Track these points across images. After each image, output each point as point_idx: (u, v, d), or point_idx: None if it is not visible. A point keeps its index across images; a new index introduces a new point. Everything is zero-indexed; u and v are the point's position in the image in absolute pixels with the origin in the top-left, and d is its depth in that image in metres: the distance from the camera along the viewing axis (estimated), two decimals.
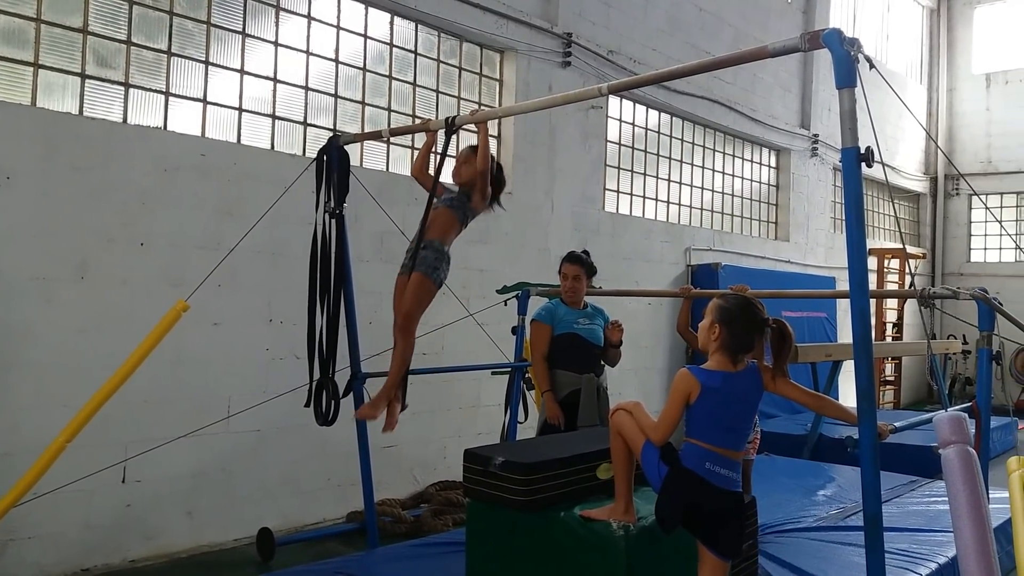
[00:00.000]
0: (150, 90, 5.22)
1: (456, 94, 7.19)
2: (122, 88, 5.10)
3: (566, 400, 4.77)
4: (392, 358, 3.92)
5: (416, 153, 6.66)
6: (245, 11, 5.69)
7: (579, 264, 4.96)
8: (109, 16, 5.02)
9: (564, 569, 3.07)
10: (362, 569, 4.02)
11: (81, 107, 4.91)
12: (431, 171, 4.06)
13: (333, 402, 4.31)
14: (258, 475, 5.51)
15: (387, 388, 3.91)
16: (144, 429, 4.81)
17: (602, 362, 4.99)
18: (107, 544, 4.82)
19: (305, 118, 6.09)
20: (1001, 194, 15.01)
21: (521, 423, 5.56)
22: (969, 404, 4.05)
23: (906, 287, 12.51)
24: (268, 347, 5.54)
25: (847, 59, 2.52)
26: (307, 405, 4.31)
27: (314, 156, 4.42)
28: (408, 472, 6.48)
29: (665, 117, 9.57)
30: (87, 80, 4.94)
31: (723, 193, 10.63)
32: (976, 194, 12.98)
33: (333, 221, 4.33)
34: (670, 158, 9.67)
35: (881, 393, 12.83)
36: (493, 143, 7.38)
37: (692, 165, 10.04)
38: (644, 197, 9.27)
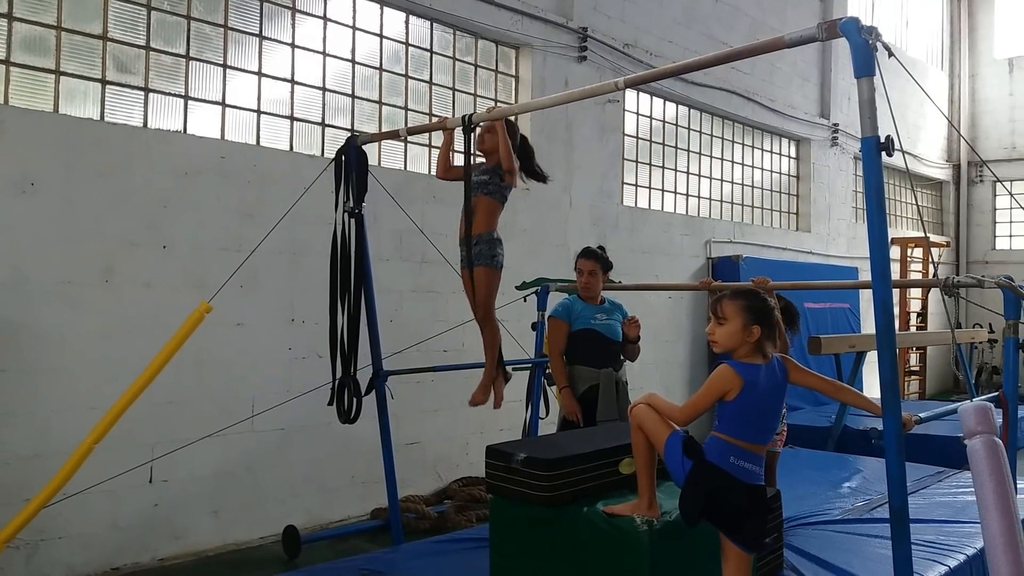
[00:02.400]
0: (169, 94, 5.27)
1: (472, 91, 7.19)
2: (142, 93, 5.15)
3: (585, 395, 4.77)
4: (484, 346, 4.21)
5: (434, 152, 6.72)
6: (262, 14, 5.72)
7: (594, 259, 4.95)
8: (128, 22, 5.07)
9: (588, 564, 3.07)
10: (387, 566, 4.04)
11: (102, 113, 4.97)
12: (455, 164, 4.14)
13: (356, 400, 4.33)
14: (283, 474, 5.55)
15: (488, 372, 4.24)
16: (170, 430, 4.87)
17: (622, 357, 4.98)
18: (135, 543, 4.89)
19: (323, 119, 6.12)
20: None
21: (542, 419, 5.57)
22: (996, 394, 4.01)
23: (930, 276, 12.36)
24: (291, 347, 5.59)
25: (865, 48, 2.50)
26: (330, 403, 4.34)
27: (332, 156, 4.44)
28: (431, 469, 6.51)
29: (683, 109, 9.52)
30: (107, 86, 4.99)
31: (743, 184, 10.56)
32: (1000, 181, 12.79)
33: (352, 220, 4.35)
34: (688, 150, 9.61)
35: (906, 383, 12.71)
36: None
37: (711, 157, 9.98)
38: (663, 190, 9.23)
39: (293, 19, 5.92)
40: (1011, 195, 14.28)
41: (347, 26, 6.27)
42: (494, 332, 4.18)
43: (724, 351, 2.81)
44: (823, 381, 2.94)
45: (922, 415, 4.14)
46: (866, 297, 10.97)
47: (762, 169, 10.93)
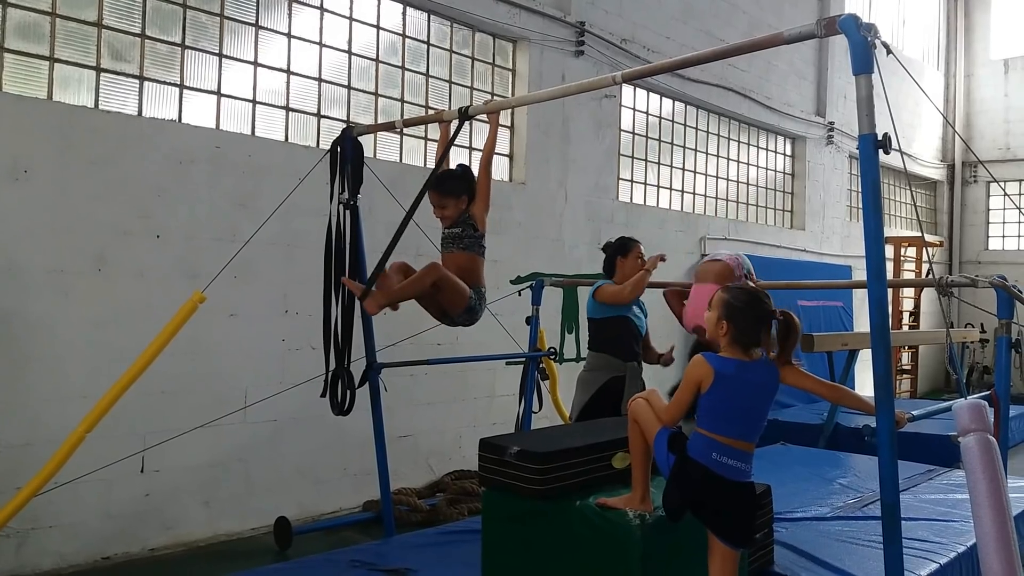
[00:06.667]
0: (165, 83, 5.24)
1: (469, 84, 7.17)
2: (137, 81, 5.12)
3: (610, 386, 4.75)
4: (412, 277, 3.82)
5: (429, 144, 6.71)
6: (258, 3, 5.69)
7: None
8: (123, 9, 5.04)
9: (579, 558, 3.08)
10: (378, 557, 4.04)
11: (97, 100, 4.93)
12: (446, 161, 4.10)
13: (349, 392, 4.32)
14: (275, 465, 5.55)
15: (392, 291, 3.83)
16: (162, 420, 4.85)
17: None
18: (127, 533, 4.87)
19: (319, 110, 6.09)
20: (1020, 181, 14.82)
21: (536, 413, 5.57)
22: (988, 392, 4.02)
23: (923, 275, 12.40)
24: (284, 338, 5.57)
25: (864, 45, 2.49)
26: (323, 395, 4.33)
27: (328, 147, 4.43)
28: (424, 462, 6.51)
29: (679, 105, 9.51)
30: (102, 73, 4.96)
31: (738, 182, 10.57)
32: (995, 181, 12.85)
33: (347, 212, 4.33)
34: (684, 147, 9.61)
35: (898, 382, 12.76)
36: (505, 133, 7.37)
37: (707, 154, 9.98)
38: (658, 186, 9.23)
39: (290, 9, 5.89)
40: (1006, 195, 14.36)
41: (344, 17, 6.25)
42: (411, 285, 3.77)
43: (711, 339, 2.84)
44: (820, 384, 2.91)
45: (914, 413, 4.16)
46: (859, 295, 11.02)
47: (757, 166, 10.94)
